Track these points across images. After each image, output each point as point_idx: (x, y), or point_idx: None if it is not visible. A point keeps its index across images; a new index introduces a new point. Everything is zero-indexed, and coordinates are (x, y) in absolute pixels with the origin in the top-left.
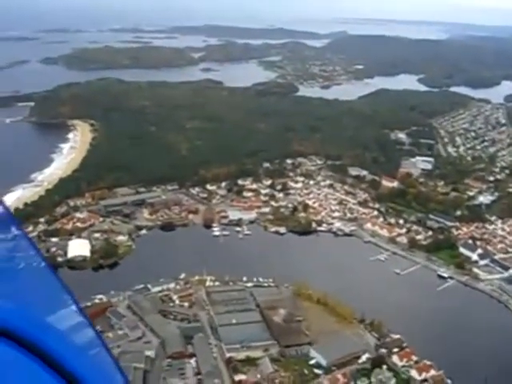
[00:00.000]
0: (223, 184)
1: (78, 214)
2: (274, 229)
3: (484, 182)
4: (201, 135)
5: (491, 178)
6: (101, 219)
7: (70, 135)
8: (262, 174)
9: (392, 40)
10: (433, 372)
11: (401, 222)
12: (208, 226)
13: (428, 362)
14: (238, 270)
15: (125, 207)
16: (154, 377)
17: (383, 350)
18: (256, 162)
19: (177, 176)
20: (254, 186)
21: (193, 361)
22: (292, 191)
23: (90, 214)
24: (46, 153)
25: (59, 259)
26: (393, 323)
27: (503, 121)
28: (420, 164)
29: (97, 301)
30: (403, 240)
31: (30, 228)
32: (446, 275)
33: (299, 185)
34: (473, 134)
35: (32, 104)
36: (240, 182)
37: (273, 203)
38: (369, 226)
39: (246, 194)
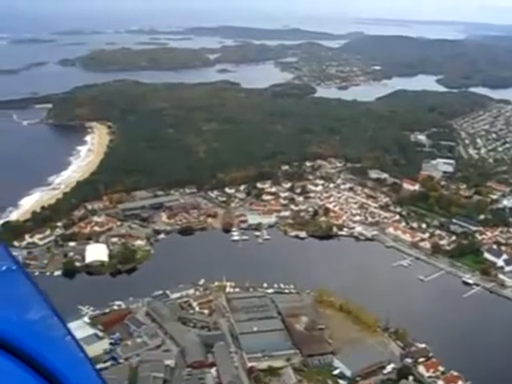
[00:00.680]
0: (242, 187)
1: (95, 218)
2: (294, 233)
3: (507, 185)
4: (218, 137)
5: None
6: (118, 223)
7: (88, 137)
8: (280, 177)
9: (409, 40)
10: None
11: (423, 226)
12: (227, 230)
13: (455, 373)
14: (258, 276)
15: (143, 211)
16: None
17: (409, 360)
18: (274, 165)
19: (195, 179)
20: (274, 190)
21: (213, 370)
22: (312, 194)
23: (107, 217)
24: (64, 155)
25: (77, 264)
26: (418, 332)
27: None
28: (441, 166)
29: (115, 307)
30: (426, 245)
31: (48, 232)
32: (471, 282)
33: (319, 188)
34: (494, 135)
35: (50, 106)
36: (259, 185)
37: (292, 207)
38: (391, 230)
39: (265, 197)
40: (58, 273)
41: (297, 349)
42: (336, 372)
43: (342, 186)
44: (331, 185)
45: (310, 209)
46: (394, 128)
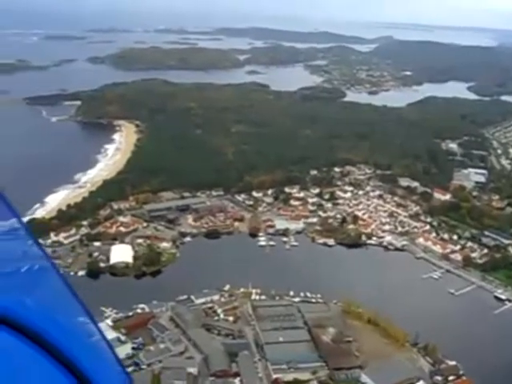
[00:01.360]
0: (269, 191)
1: (121, 218)
2: (322, 240)
3: None
4: (246, 139)
5: None
6: (144, 224)
7: (116, 136)
8: (309, 182)
9: (440, 46)
10: None
11: (454, 237)
12: (253, 234)
13: None
14: (285, 283)
15: (169, 212)
16: None
17: (438, 378)
18: (303, 170)
19: (222, 181)
20: (302, 195)
21: (237, 380)
22: (340, 201)
23: (133, 218)
24: (91, 153)
25: (101, 265)
26: (447, 348)
27: None
28: (473, 176)
29: (138, 310)
30: (457, 257)
31: (73, 231)
32: (503, 297)
33: (348, 194)
34: None
35: (78, 103)
36: (287, 189)
37: (321, 213)
38: (421, 240)
39: (293, 202)
40: (81, 273)
41: (323, 361)
42: None
43: (372, 194)
44: (360, 192)
45: (339, 216)
46: (424, 135)
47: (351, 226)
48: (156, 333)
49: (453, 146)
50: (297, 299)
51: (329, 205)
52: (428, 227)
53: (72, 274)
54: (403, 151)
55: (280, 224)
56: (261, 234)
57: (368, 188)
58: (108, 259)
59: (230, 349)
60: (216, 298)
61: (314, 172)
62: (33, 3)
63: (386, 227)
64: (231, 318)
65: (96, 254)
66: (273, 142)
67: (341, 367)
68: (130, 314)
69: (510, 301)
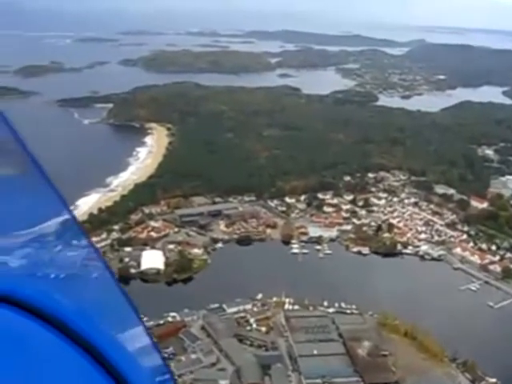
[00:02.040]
0: (302, 197)
1: (152, 223)
2: (356, 249)
3: None
4: (278, 144)
5: None
6: (176, 229)
7: (147, 139)
8: (342, 188)
9: (472, 49)
10: None
11: (493, 247)
12: (286, 242)
13: None
14: (319, 293)
15: (201, 218)
16: None
17: None
18: (336, 175)
19: (254, 187)
20: (335, 201)
21: None
22: (375, 208)
23: (164, 223)
24: (123, 156)
25: (132, 271)
26: (487, 364)
27: None
28: (511, 184)
29: (169, 319)
30: (496, 268)
31: (104, 235)
32: None
33: (382, 201)
34: None
35: (110, 105)
36: (320, 195)
37: (355, 220)
38: (458, 250)
39: (327, 209)
40: None
41: (359, 376)
42: None
43: (407, 201)
44: (395, 199)
45: (373, 223)
46: (459, 141)
47: (386, 235)
48: (187, 342)
49: (489, 152)
50: (331, 310)
51: (363, 212)
52: (465, 236)
53: None
54: (438, 157)
55: (313, 231)
56: (294, 241)
57: (403, 195)
58: (139, 265)
59: (263, 361)
60: (248, 307)
61: (347, 178)
62: (64, 5)
63: (422, 236)
64: (264, 329)
65: (127, 259)
66: (305, 146)
67: (377, 383)
68: (161, 322)
69: None
